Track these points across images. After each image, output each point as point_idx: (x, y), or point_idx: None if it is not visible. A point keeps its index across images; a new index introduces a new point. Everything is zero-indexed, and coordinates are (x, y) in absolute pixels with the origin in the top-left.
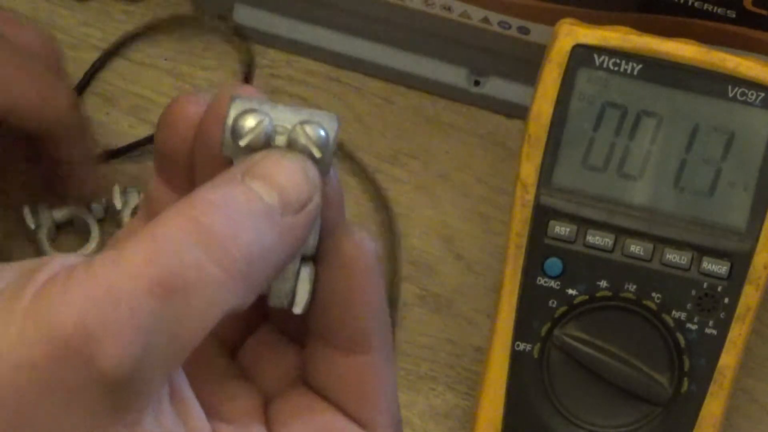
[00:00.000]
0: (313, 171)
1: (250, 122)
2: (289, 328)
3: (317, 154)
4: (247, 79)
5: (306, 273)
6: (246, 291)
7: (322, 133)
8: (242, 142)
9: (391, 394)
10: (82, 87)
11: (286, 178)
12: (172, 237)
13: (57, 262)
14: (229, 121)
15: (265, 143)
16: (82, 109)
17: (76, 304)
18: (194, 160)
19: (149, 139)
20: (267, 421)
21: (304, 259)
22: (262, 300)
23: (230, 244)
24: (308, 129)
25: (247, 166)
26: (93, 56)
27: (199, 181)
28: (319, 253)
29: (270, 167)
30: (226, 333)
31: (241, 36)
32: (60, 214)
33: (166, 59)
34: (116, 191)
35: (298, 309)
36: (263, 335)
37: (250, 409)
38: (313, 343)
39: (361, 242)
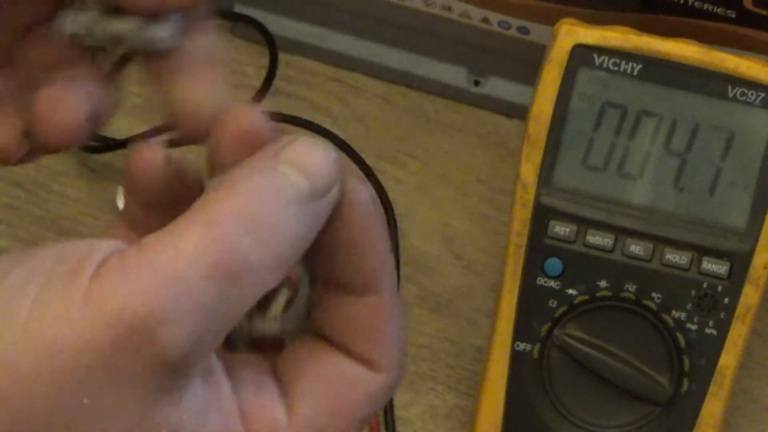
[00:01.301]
0: (335, 156)
1: None
2: None
3: None
4: (268, 79)
5: None
6: (281, 273)
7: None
8: None
9: (399, 332)
10: None
11: (315, 164)
12: (223, 225)
13: (104, 246)
14: None
15: None
16: None
17: (140, 288)
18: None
19: (151, 133)
20: (277, 375)
21: None
22: None
23: (274, 231)
24: None
25: (277, 151)
26: None
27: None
28: None
29: (300, 153)
30: None
31: (242, 36)
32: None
33: None
34: (120, 192)
35: None
36: None
37: (260, 370)
38: (318, 289)
39: (354, 188)
